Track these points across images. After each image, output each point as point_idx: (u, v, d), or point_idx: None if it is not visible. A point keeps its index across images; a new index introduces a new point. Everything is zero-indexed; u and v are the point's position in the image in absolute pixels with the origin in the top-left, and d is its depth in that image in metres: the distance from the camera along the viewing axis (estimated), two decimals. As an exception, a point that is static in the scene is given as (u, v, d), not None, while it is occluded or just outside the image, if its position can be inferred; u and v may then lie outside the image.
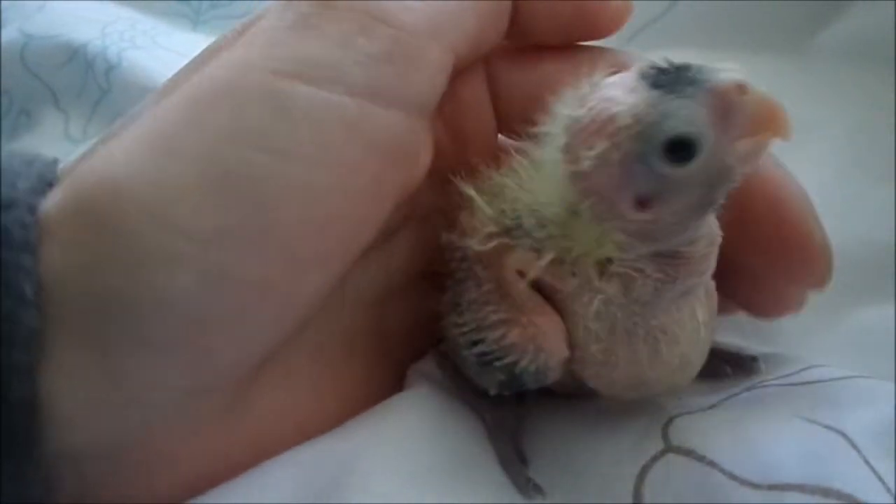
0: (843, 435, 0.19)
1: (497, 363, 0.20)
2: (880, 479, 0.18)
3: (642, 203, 0.18)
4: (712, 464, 0.18)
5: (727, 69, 0.17)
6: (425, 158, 0.21)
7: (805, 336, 0.23)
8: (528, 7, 0.22)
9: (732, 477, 0.18)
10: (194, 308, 0.17)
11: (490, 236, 0.20)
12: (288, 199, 0.18)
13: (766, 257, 0.21)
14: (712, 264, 0.20)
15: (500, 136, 0.23)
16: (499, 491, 0.20)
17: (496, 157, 0.21)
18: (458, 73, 0.21)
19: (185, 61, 0.21)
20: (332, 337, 0.22)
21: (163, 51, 0.47)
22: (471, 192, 0.21)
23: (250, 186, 0.17)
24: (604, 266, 0.19)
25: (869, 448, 0.18)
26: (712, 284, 0.21)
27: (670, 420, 0.20)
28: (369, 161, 0.19)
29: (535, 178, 0.20)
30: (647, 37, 0.41)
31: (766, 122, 0.17)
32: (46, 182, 0.18)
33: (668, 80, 0.17)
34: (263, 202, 0.17)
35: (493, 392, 0.21)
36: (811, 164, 0.34)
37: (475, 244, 0.20)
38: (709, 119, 0.17)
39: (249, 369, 0.19)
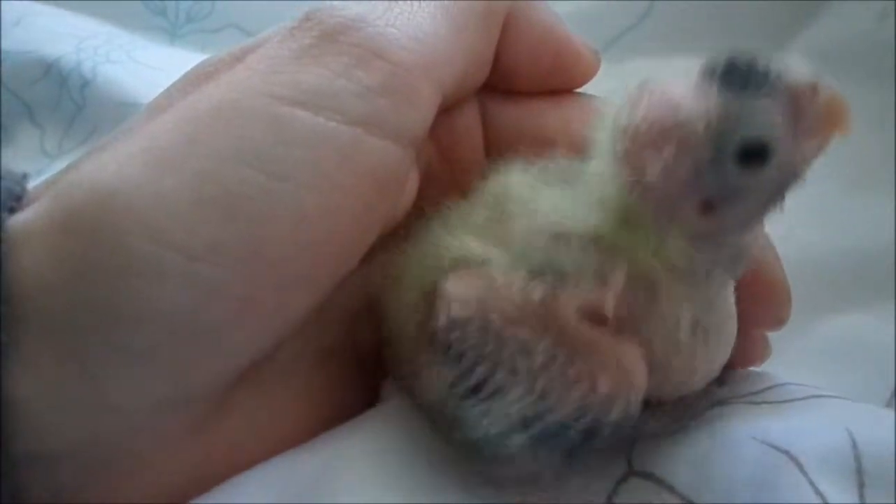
0: (793, 458, 0.19)
1: (569, 431, 0.17)
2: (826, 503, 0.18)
3: (707, 207, 0.17)
4: (671, 488, 0.19)
5: (796, 65, 0.17)
6: (411, 188, 0.22)
7: (783, 345, 0.24)
8: (511, 55, 0.23)
9: (688, 501, 0.19)
10: (178, 319, 0.18)
11: (526, 285, 0.18)
12: (280, 220, 0.18)
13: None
14: None
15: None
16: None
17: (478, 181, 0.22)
18: (452, 106, 0.22)
19: (162, 76, 0.22)
20: (307, 353, 0.22)
21: (138, 65, 0.47)
22: (476, 247, 0.19)
23: (244, 205, 0.18)
24: (672, 273, 0.18)
25: (817, 471, 0.19)
26: None
27: (634, 443, 0.21)
28: (361, 188, 0.19)
29: (558, 195, 0.18)
30: (625, 44, 0.42)
31: (835, 120, 0.17)
32: (14, 196, 0.19)
33: (738, 78, 0.16)
34: (256, 221, 0.18)
35: (550, 482, 0.19)
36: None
37: (516, 298, 0.18)
38: (782, 121, 0.16)
39: (226, 383, 0.19)
